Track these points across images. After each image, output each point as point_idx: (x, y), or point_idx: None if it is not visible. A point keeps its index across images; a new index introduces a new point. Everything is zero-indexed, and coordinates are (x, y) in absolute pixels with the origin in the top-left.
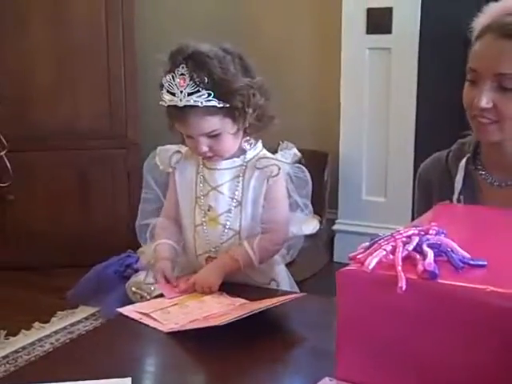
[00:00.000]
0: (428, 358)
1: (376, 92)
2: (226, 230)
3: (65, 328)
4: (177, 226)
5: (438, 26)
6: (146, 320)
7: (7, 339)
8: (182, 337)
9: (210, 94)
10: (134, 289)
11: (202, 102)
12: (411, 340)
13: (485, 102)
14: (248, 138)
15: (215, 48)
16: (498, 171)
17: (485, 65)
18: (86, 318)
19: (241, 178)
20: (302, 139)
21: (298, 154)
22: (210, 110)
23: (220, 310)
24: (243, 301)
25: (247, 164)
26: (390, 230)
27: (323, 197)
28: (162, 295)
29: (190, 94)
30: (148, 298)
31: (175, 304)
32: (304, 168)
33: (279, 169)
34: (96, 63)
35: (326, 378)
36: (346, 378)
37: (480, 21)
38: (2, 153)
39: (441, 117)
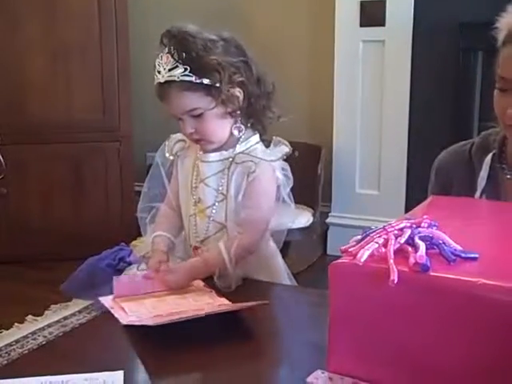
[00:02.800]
0: (420, 350)
1: (369, 85)
2: (212, 223)
3: (58, 321)
4: (178, 214)
5: (432, 18)
6: (114, 310)
7: (0, 332)
8: (174, 329)
9: (186, 69)
10: None
11: (178, 77)
12: (403, 332)
13: None
14: (238, 124)
15: (209, 33)
16: None
17: None
18: (80, 311)
19: (226, 171)
20: (295, 132)
21: (287, 150)
22: (188, 86)
23: (194, 307)
24: (226, 302)
25: (234, 157)
26: (383, 223)
27: (317, 190)
28: None
29: (169, 70)
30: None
31: (155, 297)
32: (287, 166)
33: (255, 165)
34: (89, 56)
35: (318, 371)
36: (337, 371)
37: (504, 23)
38: None
39: (434, 110)
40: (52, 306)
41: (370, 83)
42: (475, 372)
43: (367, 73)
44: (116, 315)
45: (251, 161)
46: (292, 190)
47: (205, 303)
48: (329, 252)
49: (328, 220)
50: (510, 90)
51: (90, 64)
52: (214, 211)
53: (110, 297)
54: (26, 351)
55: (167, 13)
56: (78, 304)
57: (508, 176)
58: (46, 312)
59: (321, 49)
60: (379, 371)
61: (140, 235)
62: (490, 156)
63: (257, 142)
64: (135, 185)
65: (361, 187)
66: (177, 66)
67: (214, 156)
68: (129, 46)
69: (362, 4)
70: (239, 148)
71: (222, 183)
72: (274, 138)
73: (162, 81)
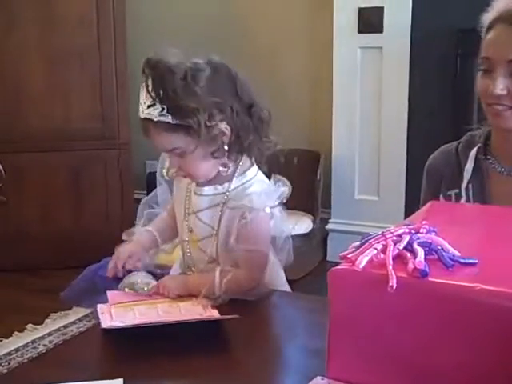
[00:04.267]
0: (419, 356)
1: (368, 91)
2: (203, 255)
3: (58, 329)
4: (175, 226)
5: (429, 25)
6: (103, 315)
7: (0, 341)
8: (173, 337)
9: (163, 109)
10: (127, 289)
11: (156, 116)
12: (402, 338)
13: (500, 88)
14: (225, 161)
15: (196, 61)
16: (507, 160)
17: (497, 52)
18: (80, 320)
19: (219, 208)
20: (294, 139)
21: (286, 192)
22: (166, 127)
23: (181, 317)
24: (215, 314)
25: (228, 194)
26: (383, 229)
27: (316, 196)
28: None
29: (148, 107)
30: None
31: (146, 304)
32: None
33: (249, 212)
34: (87, 64)
35: (318, 377)
36: (337, 377)
37: (488, 15)
38: None
39: (433, 116)
40: (52, 314)
41: (368, 89)
42: (474, 376)
43: (365, 79)
44: (101, 319)
45: (246, 207)
46: (291, 196)
47: (195, 313)
48: (329, 258)
49: (328, 226)
50: (493, 71)
51: (88, 71)
52: (205, 245)
53: (107, 304)
54: (26, 360)
55: (166, 18)
56: (77, 312)
57: (493, 165)
58: (46, 320)
59: (319, 55)
60: (379, 376)
61: None
62: (475, 149)
63: (254, 176)
64: (135, 192)
65: (360, 193)
66: (154, 104)
67: (207, 190)
68: (127, 54)
69: (360, 11)
70: (235, 182)
71: (214, 219)
72: (273, 176)
73: (142, 117)
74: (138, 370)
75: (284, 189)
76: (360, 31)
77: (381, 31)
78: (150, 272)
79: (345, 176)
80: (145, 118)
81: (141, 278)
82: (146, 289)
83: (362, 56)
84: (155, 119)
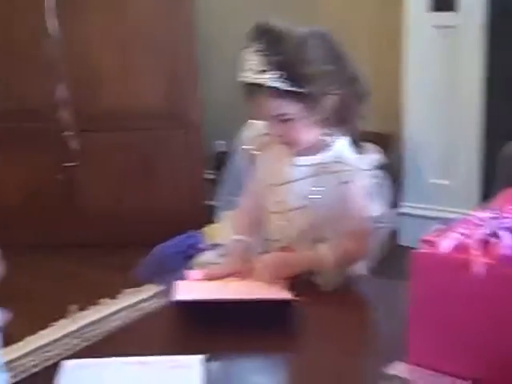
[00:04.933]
0: (501, 341)
1: (441, 71)
2: (292, 227)
3: (131, 305)
4: (259, 208)
5: (507, 2)
6: (178, 291)
7: (76, 314)
8: (251, 316)
9: (277, 74)
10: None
11: (268, 82)
12: (484, 324)
13: None
14: (327, 131)
15: (302, 29)
16: None
17: None
18: (151, 297)
19: (314, 178)
20: (364, 121)
21: (379, 158)
22: (280, 92)
23: (254, 295)
24: (287, 295)
25: (323, 164)
26: (455, 214)
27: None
28: None
29: (259, 72)
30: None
31: (222, 281)
32: (383, 175)
33: (351, 174)
34: (159, 44)
35: (398, 362)
36: (418, 362)
37: None
38: (69, 133)
39: (510, 97)
40: (124, 290)
41: (442, 70)
42: None
43: (438, 59)
44: (176, 294)
45: (347, 170)
46: None
47: (270, 293)
48: (401, 242)
49: (400, 210)
50: None
51: (159, 51)
52: (296, 216)
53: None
54: (101, 333)
55: None
56: (150, 289)
57: None
58: (120, 296)
59: (389, 36)
60: (459, 362)
61: (210, 222)
62: None
63: (347, 147)
64: (205, 172)
65: (432, 177)
66: (267, 70)
67: (302, 160)
68: (197, 32)
69: None
70: (330, 153)
71: (309, 189)
72: (365, 144)
73: (249, 82)
74: (215, 346)
75: (377, 156)
76: (433, 9)
77: (455, 9)
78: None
79: (417, 159)
80: (253, 84)
81: (211, 258)
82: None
83: (434, 35)
84: (268, 84)
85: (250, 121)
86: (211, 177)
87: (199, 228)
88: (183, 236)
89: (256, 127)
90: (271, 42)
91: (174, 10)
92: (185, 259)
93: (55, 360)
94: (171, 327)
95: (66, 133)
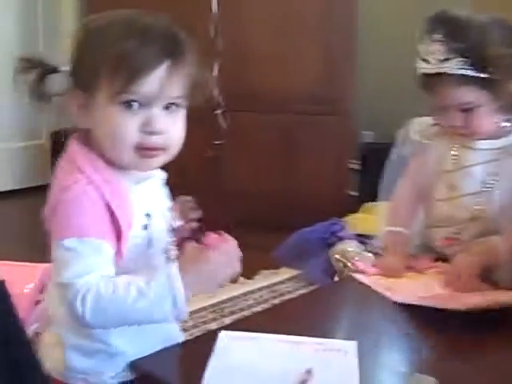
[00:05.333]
0: None
1: None
2: (467, 213)
3: (267, 286)
4: (417, 198)
5: None
6: (376, 286)
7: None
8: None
9: (464, 62)
10: (337, 256)
11: (453, 69)
12: None
13: None
14: (509, 116)
15: (480, 16)
16: None
17: None
18: (288, 280)
19: (496, 163)
20: None
21: None
22: (464, 79)
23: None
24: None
25: (506, 148)
26: None
27: None
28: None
29: (442, 61)
30: (352, 266)
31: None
32: None
33: None
34: (315, 28)
35: None
36: None
37: None
38: (219, 111)
39: None
40: (262, 271)
41: None
42: None
43: None
44: (382, 292)
45: None
46: None
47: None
48: None
49: None
50: None
51: (316, 35)
52: (474, 201)
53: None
54: (237, 310)
55: None
56: (287, 272)
57: None
58: (257, 276)
59: None
60: None
61: (352, 212)
62: None
63: None
64: (349, 162)
65: None
66: (451, 58)
67: (482, 144)
68: (355, 17)
69: None
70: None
71: (490, 173)
72: None
73: (432, 72)
74: (371, 334)
75: None
76: None
77: None
78: (361, 241)
79: None
80: (434, 74)
81: (352, 247)
82: (356, 258)
83: None
84: (452, 72)
85: (415, 118)
86: (355, 167)
87: (340, 216)
88: (326, 223)
89: (421, 120)
90: (453, 29)
91: None
92: (326, 246)
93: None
94: (320, 311)
95: (217, 111)
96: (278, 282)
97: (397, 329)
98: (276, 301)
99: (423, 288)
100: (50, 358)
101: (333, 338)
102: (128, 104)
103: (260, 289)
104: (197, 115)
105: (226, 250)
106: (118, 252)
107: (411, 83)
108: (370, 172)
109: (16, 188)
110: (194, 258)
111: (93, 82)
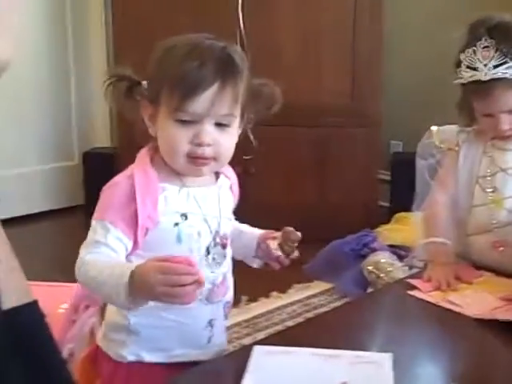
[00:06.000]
0: None
1: None
2: (505, 216)
3: (300, 300)
4: (452, 207)
5: None
6: (443, 303)
7: (247, 305)
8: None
9: None
10: (370, 268)
11: (508, 74)
12: None
13: None
14: None
15: None
16: None
17: None
18: (321, 293)
19: None
20: None
21: None
22: None
23: None
24: None
25: None
26: None
27: None
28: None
29: (496, 67)
30: (385, 278)
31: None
32: None
33: None
34: (341, 41)
35: None
36: None
37: None
38: (248, 126)
39: None
40: (294, 285)
41: None
42: None
43: None
44: (453, 309)
45: None
46: None
47: None
48: None
49: None
50: None
51: (341, 47)
52: (510, 203)
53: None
54: (271, 324)
55: None
56: (319, 286)
57: None
58: (290, 290)
59: None
60: None
61: (384, 223)
62: None
63: None
64: (379, 172)
65: None
66: (506, 62)
67: None
68: (381, 31)
69: None
70: None
71: None
72: None
73: (486, 79)
74: (406, 346)
75: None
76: None
77: None
78: (394, 252)
79: None
80: (490, 80)
81: (385, 258)
82: (389, 268)
83: None
84: (505, 76)
85: (437, 127)
86: (385, 177)
87: (371, 228)
88: (358, 234)
89: (445, 129)
90: (503, 34)
91: (361, 6)
92: (358, 258)
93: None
94: (356, 323)
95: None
96: (311, 295)
97: (433, 340)
98: (309, 314)
99: (481, 300)
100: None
101: (368, 350)
102: (181, 121)
103: (293, 303)
104: None
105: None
106: (135, 242)
107: (438, 92)
108: (400, 182)
109: (49, 209)
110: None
111: (157, 96)
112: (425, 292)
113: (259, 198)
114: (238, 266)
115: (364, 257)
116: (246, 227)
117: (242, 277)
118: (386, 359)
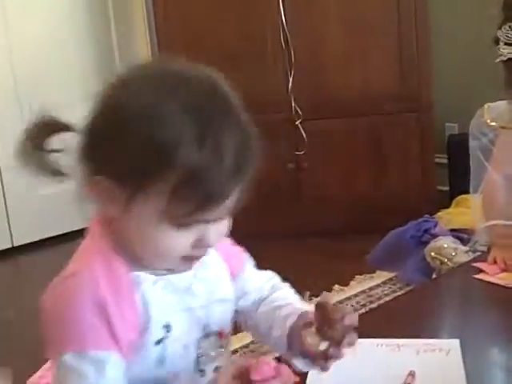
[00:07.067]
0: None
1: None
2: None
3: (363, 291)
4: (506, 187)
5: None
6: None
7: (310, 300)
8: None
9: None
10: (433, 254)
11: None
12: None
13: None
14: None
15: None
16: None
17: None
18: (384, 283)
19: None
20: None
21: None
22: None
23: None
24: None
25: None
26: None
27: None
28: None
29: None
30: (449, 263)
31: None
32: None
33: None
34: (387, 26)
35: None
36: None
37: None
38: (298, 122)
39: None
40: (357, 276)
41: None
42: None
43: None
44: None
45: None
46: None
47: None
48: None
49: None
50: None
51: (387, 33)
52: None
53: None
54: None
55: None
56: (381, 276)
57: None
58: (352, 282)
59: None
60: None
61: (443, 207)
62: None
63: None
64: (436, 156)
65: None
66: None
67: None
68: (429, 13)
69: None
70: None
71: None
72: None
73: None
74: (475, 333)
75: None
76: None
77: None
78: (456, 237)
79: None
80: None
81: (447, 243)
82: (453, 253)
83: None
84: None
85: (487, 104)
86: (442, 161)
87: (432, 213)
88: (418, 221)
89: (497, 105)
90: None
91: None
92: (420, 244)
93: None
94: (420, 311)
95: (297, 121)
96: (374, 286)
97: (499, 325)
98: (373, 305)
99: None
100: None
101: (435, 337)
102: (186, 226)
103: (356, 294)
104: (276, 128)
105: None
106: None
107: (491, 70)
108: (458, 164)
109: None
110: None
111: (132, 180)
112: (492, 275)
113: (314, 192)
114: (294, 261)
115: (425, 243)
116: (279, 301)
117: (302, 272)
118: (454, 346)
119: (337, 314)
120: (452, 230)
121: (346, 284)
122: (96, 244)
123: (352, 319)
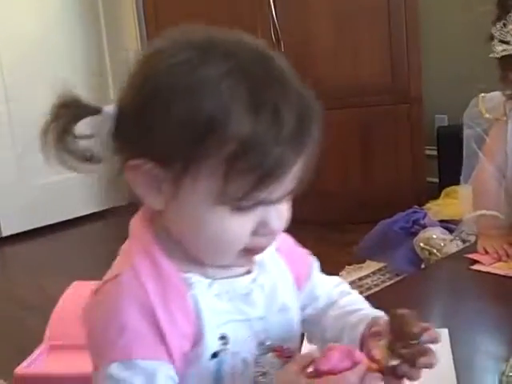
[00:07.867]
0: None
1: None
2: None
3: (353, 282)
4: (497, 177)
5: None
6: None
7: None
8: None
9: None
10: (422, 244)
11: None
12: None
13: None
14: None
15: None
16: None
17: None
18: (373, 273)
19: None
20: None
21: None
22: None
23: None
24: None
25: None
26: None
27: None
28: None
29: None
30: (437, 254)
31: None
32: None
33: None
34: (376, 19)
35: None
36: None
37: None
38: None
39: None
40: (346, 267)
41: None
42: None
43: None
44: None
45: None
46: None
47: None
48: None
49: None
50: None
51: (377, 26)
52: None
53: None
54: None
55: None
56: (371, 266)
57: None
58: (342, 273)
59: None
60: None
61: (432, 199)
62: None
63: None
64: (425, 148)
65: None
66: None
67: None
68: (418, 8)
69: None
70: None
71: None
72: None
73: None
74: (461, 320)
75: None
76: None
77: None
78: (445, 227)
79: None
80: None
81: (436, 234)
82: (442, 244)
83: None
84: None
85: (482, 94)
86: (432, 153)
87: (421, 204)
88: (407, 212)
89: (491, 96)
90: None
91: None
92: (409, 235)
93: None
94: (407, 301)
95: None
96: (363, 276)
97: (489, 313)
98: (363, 295)
99: None
100: None
101: None
102: (244, 209)
103: None
104: None
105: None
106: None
107: (481, 63)
108: (447, 156)
109: (99, 210)
110: None
111: (180, 160)
112: (488, 265)
113: (311, 184)
114: None
115: (414, 234)
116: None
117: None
118: (443, 335)
119: (415, 329)
120: (441, 221)
121: (336, 274)
122: (139, 244)
123: (432, 336)
